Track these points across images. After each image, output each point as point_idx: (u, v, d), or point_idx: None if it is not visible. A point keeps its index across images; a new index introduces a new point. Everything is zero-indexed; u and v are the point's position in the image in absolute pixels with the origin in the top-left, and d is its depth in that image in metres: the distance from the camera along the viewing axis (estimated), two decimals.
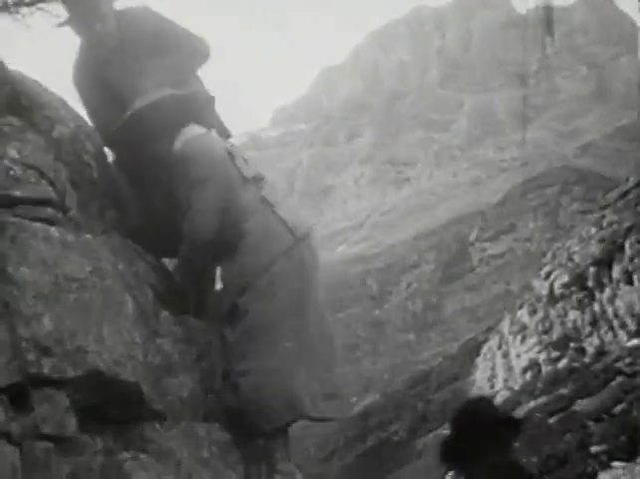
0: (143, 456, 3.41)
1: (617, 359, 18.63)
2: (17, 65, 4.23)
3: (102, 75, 5.02)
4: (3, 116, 3.71)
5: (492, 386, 26.56)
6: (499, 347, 27.50)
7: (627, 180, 24.17)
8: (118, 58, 4.98)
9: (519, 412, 19.53)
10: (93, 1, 4.98)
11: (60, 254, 3.28)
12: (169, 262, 4.75)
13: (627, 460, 13.17)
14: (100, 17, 4.99)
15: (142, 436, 3.50)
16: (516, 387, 24.09)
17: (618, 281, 21.28)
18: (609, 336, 21.39)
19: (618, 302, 21.18)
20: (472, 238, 57.86)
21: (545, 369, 23.30)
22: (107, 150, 4.86)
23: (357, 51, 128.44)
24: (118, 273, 3.65)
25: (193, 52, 5.22)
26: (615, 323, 21.24)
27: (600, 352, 20.98)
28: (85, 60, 5.08)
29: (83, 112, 4.88)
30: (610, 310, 21.48)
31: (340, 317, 56.90)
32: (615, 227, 22.20)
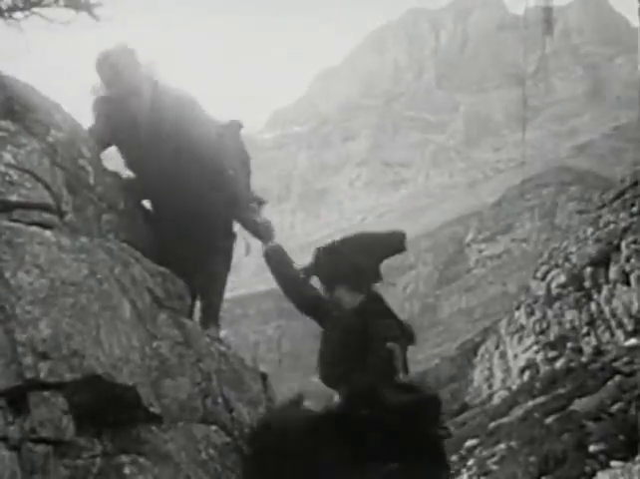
0: (141, 459, 3.42)
1: (615, 359, 18.65)
2: (13, 71, 4.24)
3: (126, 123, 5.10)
4: None
5: (490, 386, 26.59)
6: (497, 348, 27.53)
7: (623, 180, 24.19)
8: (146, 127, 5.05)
9: (518, 412, 19.55)
10: (128, 74, 5.03)
11: (56, 259, 3.29)
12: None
13: (625, 459, 13.17)
14: (137, 93, 5.06)
15: (140, 439, 3.51)
16: (514, 387, 24.11)
17: (615, 282, 21.31)
18: (606, 336, 21.41)
19: (615, 302, 21.20)
20: (468, 239, 57.96)
21: (543, 369, 23.33)
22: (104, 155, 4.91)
23: (353, 53, 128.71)
24: (114, 277, 3.66)
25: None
26: (612, 323, 21.27)
27: (598, 352, 21.00)
28: (112, 108, 5.17)
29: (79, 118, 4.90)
30: (607, 310, 21.51)
31: None
32: (612, 227, 22.24)
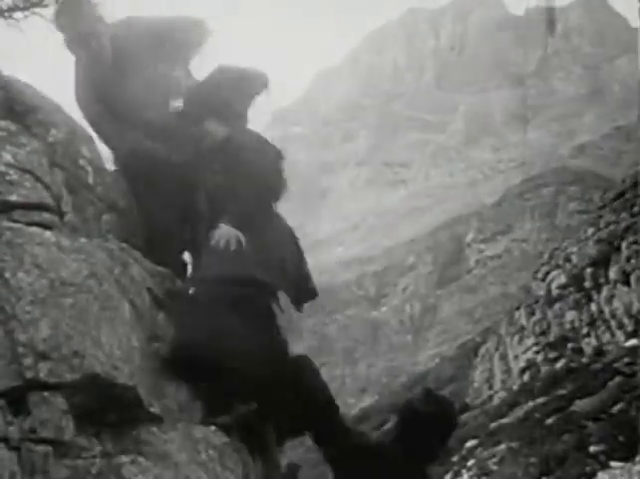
0: (140, 459, 3.42)
1: (615, 359, 18.66)
2: (13, 69, 4.24)
3: (101, 92, 5.03)
4: None
5: (491, 387, 26.58)
6: (497, 349, 27.52)
7: (624, 180, 24.20)
8: (116, 74, 4.98)
9: (518, 412, 19.56)
10: (86, 20, 4.97)
11: (56, 259, 3.29)
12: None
13: (625, 460, 13.19)
14: (95, 35, 4.98)
15: (139, 439, 3.51)
16: (515, 388, 24.11)
17: (615, 282, 21.32)
18: (607, 337, 21.43)
19: (615, 303, 21.21)
20: (468, 239, 57.96)
21: (543, 370, 23.34)
22: (104, 154, 4.90)
23: (353, 53, 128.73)
24: (114, 277, 3.66)
25: (190, 45, 5.27)
26: (613, 324, 21.28)
27: (598, 352, 21.02)
28: (84, 78, 5.09)
29: (81, 120, 4.89)
30: (607, 311, 21.52)
31: (337, 319, 56.95)
32: (612, 227, 22.24)
